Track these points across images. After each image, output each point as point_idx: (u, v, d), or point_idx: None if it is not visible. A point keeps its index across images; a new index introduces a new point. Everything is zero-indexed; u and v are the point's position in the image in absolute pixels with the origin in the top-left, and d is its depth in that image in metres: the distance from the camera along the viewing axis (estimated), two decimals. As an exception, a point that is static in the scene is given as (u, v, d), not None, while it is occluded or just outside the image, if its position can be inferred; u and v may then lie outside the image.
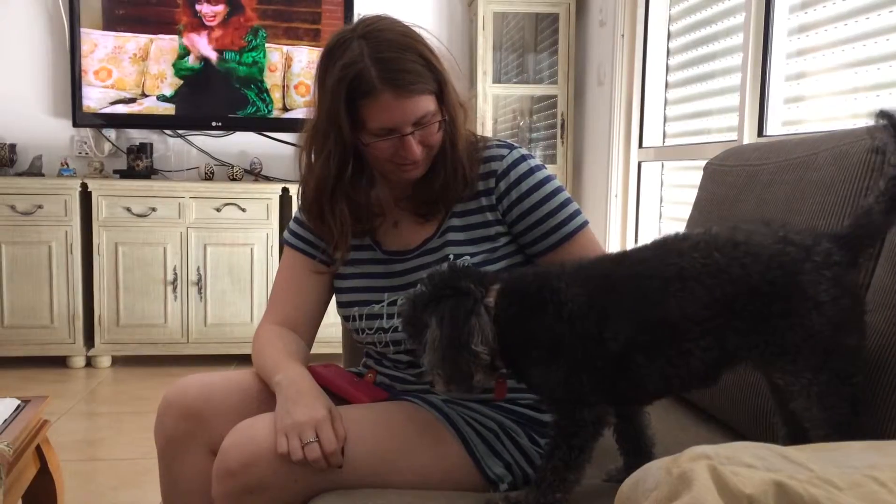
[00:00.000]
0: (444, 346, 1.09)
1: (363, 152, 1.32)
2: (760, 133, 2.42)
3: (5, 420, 1.61)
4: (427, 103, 1.26)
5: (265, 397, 1.32)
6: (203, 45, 3.89)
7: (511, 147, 1.37)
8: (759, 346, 1.00)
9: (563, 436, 1.10)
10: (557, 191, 1.35)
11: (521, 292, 1.13)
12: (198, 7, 3.85)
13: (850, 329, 0.99)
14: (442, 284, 1.14)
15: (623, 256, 1.12)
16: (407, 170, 1.31)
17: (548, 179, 1.35)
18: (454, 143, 1.33)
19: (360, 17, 1.33)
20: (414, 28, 1.31)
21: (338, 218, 1.37)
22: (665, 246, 1.08)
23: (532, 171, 1.35)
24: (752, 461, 0.51)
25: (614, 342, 1.04)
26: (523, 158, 1.36)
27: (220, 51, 3.90)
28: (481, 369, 1.11)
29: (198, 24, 3.87)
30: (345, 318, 1.46)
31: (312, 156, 1.37)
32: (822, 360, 0.97)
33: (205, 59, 3.90)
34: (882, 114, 1.00)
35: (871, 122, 1.02)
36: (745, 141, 2.42)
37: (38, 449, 1.74)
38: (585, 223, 1.36)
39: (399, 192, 1.41)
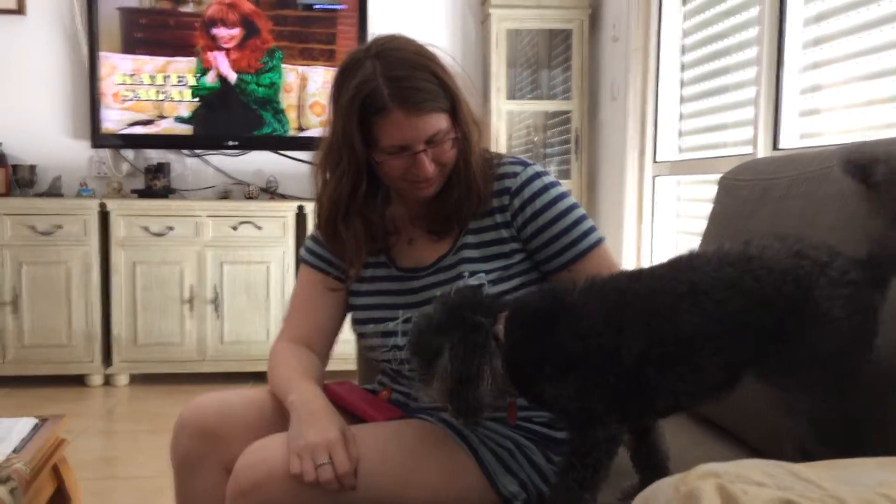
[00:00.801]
0: (454, 382, 1.09)
1: (376, 170, 1.33)
2: (775, 146, 2.41)
3: (23, 439, 1.63)
4: (439, 121, 1.27)
5: (281, 416, 1.32)
6: (221, 66, 3.93)
7: (525, 164, 1.37)
8: (769, 361, 1.00)
9: (577, 455, 1.09)
10: (572, 208, 1.35)
11: (531, 313, 1.13)
12: (214, 31, 3.90)
13: (859, 346, 0.98)
14: (451, 313, 1.13)
15: (639, 273, 1.12)
16: (420, 187, 1.32)
17: (562, 196, 1.35)
18: (468, 161, 1.33)
19: (374, 36, 1.34)
20: (427, 47, 1.32)
21: (352, 235, 1.37)
22: (679, 263, 1.08)
23: (546, 187, 1.34)
24: (762, 479, 0.50)
25: (628, 356, 1.04)
26: (538, 175, 1.35)
27: (237, 72, 3.94)
28: (489, 405, 1.12)
29: (215, 47, 3.91)
30: (360, 335, 1.46)
31: (327, 174, 1.37)
32: (832, 379, 0.97)
33: (222, 80, 3.94)
34: (847, 164, 1.03)
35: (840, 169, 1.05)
36: (760, 154, 2.41)
37: (56, 468, 1.75)
38: (601, 240, 1.35)
39: (414, 211, 1.41)
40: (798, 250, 1.00)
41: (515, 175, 1.35)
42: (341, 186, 1.34)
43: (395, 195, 1.41)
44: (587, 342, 1.06)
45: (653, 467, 1.20)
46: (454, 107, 1.30)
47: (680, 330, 1.02)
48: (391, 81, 1.24)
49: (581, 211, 1.36)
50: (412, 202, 1.39)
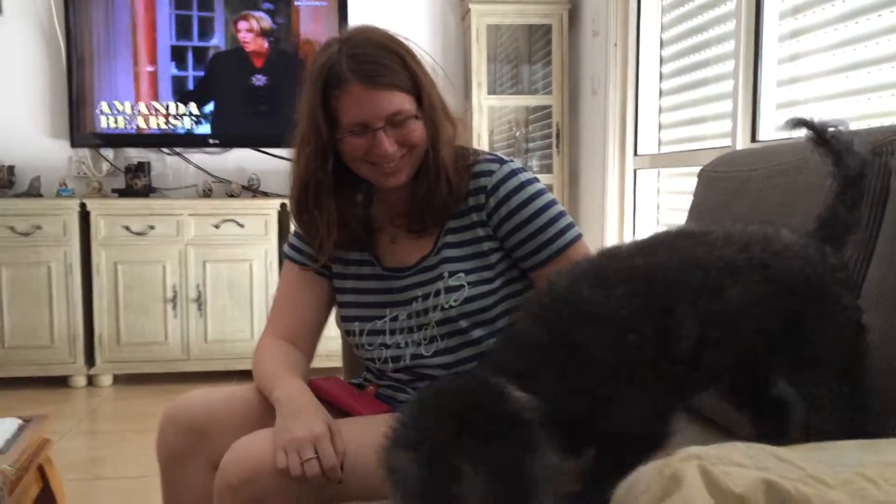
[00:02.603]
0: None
1: (341, 152, 1.32)
2: (754, 138, 2.43)
3: (7, 440, 1.62)
4: (400, 100, 1.27)
5: (268, 412, 1.32)
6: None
7: (501, 161, 1.37)
8: (788, 352, 0.97)
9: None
10: (549, 205, 1.34)
11: (546, 339, 0.95)
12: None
13: (863, 333, 0.99)
14: (460, 414, 0.84)
15: (644, 247, 1.01)
16: (385, 172, 1.31)
17: (539, 194, 1.34)
18: (436, 149, 1.32)
19: (350, 27, 1.36)
20: (402, 38, 1.33)
21: (324, 218, 1.37)
22: (690, 237, 1.00)
23: (522, 185, 1.34)
24: (743, 460, 0.52)
25: (686, 340, 0.93)
26: (514, 173, 1.35)
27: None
28: None
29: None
30: (346, 333, 1.47)
31: (298, 159, 1.38)
32: (846, 369, 0.96)
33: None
34: (799, 124, 1.02)
35: (797, 135, 1.04)
36: (739, 146, 2.43)
37: (41, 468, 1.74)
38: (578, 236, 1.35)
39: (391, 208, 1.41)
40: (801, 238, 1.01)
41: (491, 173, 1.35)
42: (308, 165, 1.34)
43: (376, 195, 1.42)
44: (640, 332, 0.92)
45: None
46: (418, 90, 1.30)
47: (730, 308, 0.94)
48: (352, 57, 1.26)
49: (559, 208, 1.36)
50: (389, 196, 1.39)
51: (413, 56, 1.31)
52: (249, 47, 3.94)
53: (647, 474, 0.54)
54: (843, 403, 0.97)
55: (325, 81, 1.27)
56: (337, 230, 1.37)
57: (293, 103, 1.36)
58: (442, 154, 1.33)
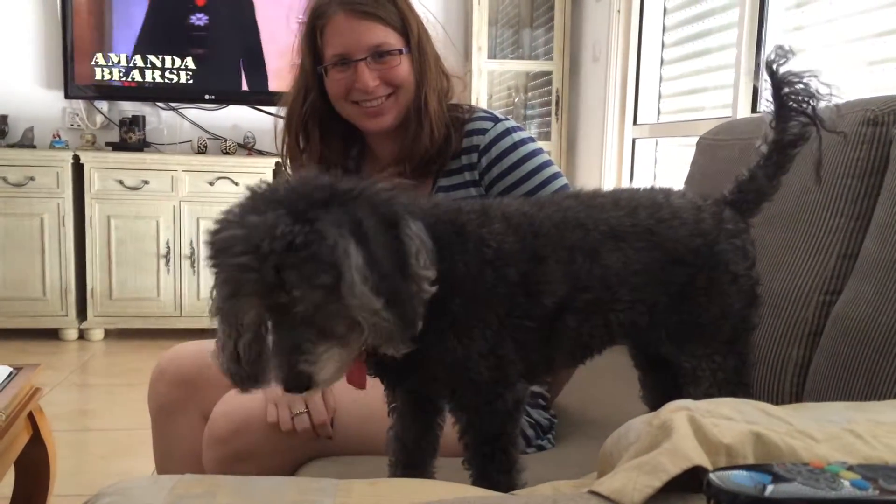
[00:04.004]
0: (385, 272, 0.74)
1: (327, 90, 1.31)
2: (754, 110, 2.42)
3: (-3, 386, 1.62)
4: (384, 34, 1.27)
5: (258, 365, 1.33)
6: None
7: (496, 119, 1.34)
8: (672, 322, 0.93)
9: (486, 438, 0.88)
10: (544, 165, 1.32)
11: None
12: None
13: (757, 304, 0.95)
14: (320, 187, 0.76)
15: (539, 202, 0.95)
16: (370, 111, 1.30)
17: (533, 154, 1.32)
18: (420, 91, 1.30)
19: None
20: None
21: (307, 153, 1.36)
22: (582, 196, 0.96)
23: (516, 145, 1.31)
24: (732, 414, 0.52)
25: (550, 298, 0.87)
26: (508, 132, 1.32)
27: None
28: (421, 309, 0.78)
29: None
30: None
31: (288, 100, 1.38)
32: (732, 341, 0.93)
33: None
34: (767, 65, 0.93)
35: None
36: (739, 117, 2.42)
37: (31, 417, 1.74)
38: None
39: (382, 159, 1.39)
40: (693, 201, 0.96)
41: (484, 132, 1.33)
42: (295, 101, 1.34)
43: (367, 153, 1.40)
44: (504, 272, 0.86)
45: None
46: (406, 29, 1.29)
47: (606, 273, 0.89)
48: None
49: (553, 168, 1.34)
50: (377, 146, 1.38)
51: (405, 1, 1.30)
52: None
53: (636, 426, 0.54)
54: (726, 378, 0.93)
55: (312, 14, 1.28)
56: (319, 154, 1.36)
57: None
58: (428, 99, 1.30)
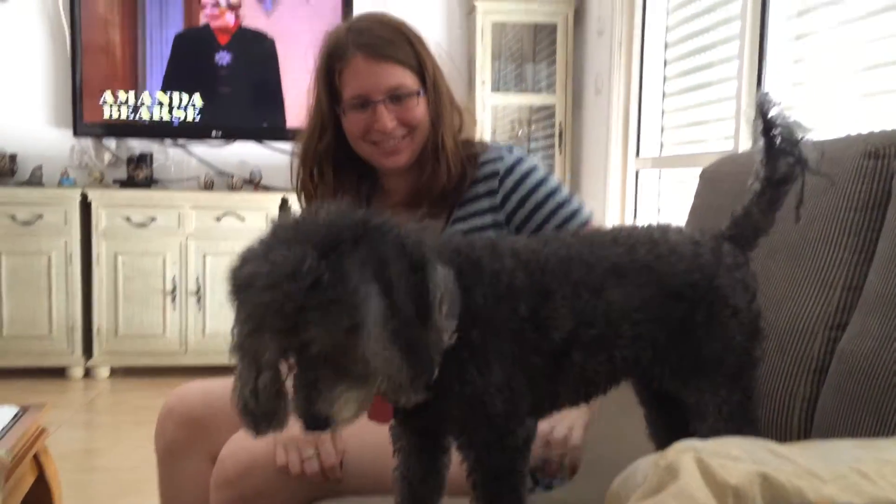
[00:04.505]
0: (405, 321, 0.74)
1: (344, 129, 1.32)
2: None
3: (4, 427, 1.62)
4: (401, 76, 1.28)
5: (267, 406, 1.32)
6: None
7: (510, 149, 1.38)
8: (674, 358, 0.93)
9: (496, 476, 0.88)
10: (559, 189, 1.35)
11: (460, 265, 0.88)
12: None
13: (759, 337, 0.95)
14: (345, 224, 0.76)
15: (544, 238, 0.97)
16: (387, 151, 1.30)
17: (547, 179, 1.35)
18: (437, 131, 1.32)
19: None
20: (410, 24, 1.33)
21: (322, 193, 1.36)
22: (577, 236, 0.98)
23: (533, 170, 1.34)
24: (739, 454, 0.52)
25: (558, 333, 0.88)
26: (522, 160, 1.35)
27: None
28: (438, 358, 0.78)
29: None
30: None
31: (302, 138, 1.39)
32: (736, 376, 0.93)
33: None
34: (757, 107, 0.95)
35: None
36: (741, 150, 2.43)
37: (37, 457, 1.74)
38: (590, 217, 1.35)
39: (395, 194, 1.40)
40: (691, 237, 0.97)
41: (502, 159, 1.35)
42: (311, 140, 1.35)
43: (379, 187, 1.41)
44: (515, 307, 0.87)
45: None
46: (422, 70, 1.30)
47: (611, 310, 0.90)
48: (357, 33, 1.28)
49: (567, 191, 1.36)
50: (391, 181, 1.39)
51: (420, 39, 1.32)
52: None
53: (643, 467, 0.54)
54: (731, 412, 0.92)
55: (329, 55, 1.29)
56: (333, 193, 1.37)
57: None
58: (444, 138, 1.32)
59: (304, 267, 0.69)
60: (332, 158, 1.35)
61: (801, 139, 0.94)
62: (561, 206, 1.33)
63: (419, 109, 1.30)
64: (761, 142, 0.96)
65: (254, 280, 0.72)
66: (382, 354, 0.72)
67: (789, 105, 2.35)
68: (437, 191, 1.33)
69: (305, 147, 1.36)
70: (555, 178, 1.37)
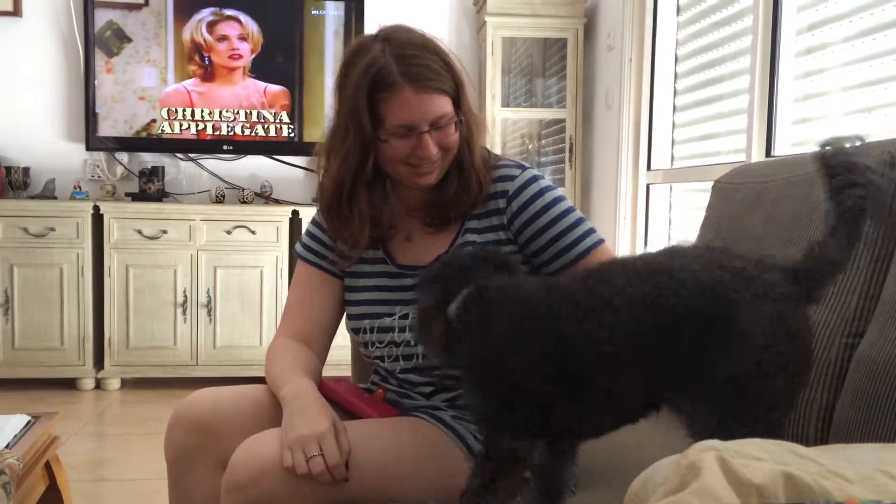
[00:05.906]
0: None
1: (379, 153, 1.32)
2: (768, 154, 2.43)
3: (16, 435, 1.62)
4: (444, 104, 1.29)
5: (276, 411, 1.32)
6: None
7: (523, 167, 1.38)
8: (682, 383, 0.95)
9: (482, 468, 1.05)
10: (569, 210, 1.35)
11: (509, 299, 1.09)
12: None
13: (784, 371, 0.92)
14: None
15: (550, 283, 1.10)
16: (423, 173, 1.32)
17: (559, 200, 1.36)
18: (471, 148, 1.34)
19: (380, 26, 1.36)
20: (433, 37, 1.34)
21: (357, 214, 1.36)
22: (596, 274, 1.06)
23: (542, 191, 1.35)
24: (761, 455, 0.51)
25: (546, 365, 1.01)
26: (534, 179, 1.36)
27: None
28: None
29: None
30: (354, 332, 1.46)
31: (331, 157, 1.37)
32: (749, 406, 0.91)
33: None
34: (822, 153, 0.95)
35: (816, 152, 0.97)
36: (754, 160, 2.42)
37: (48, 465, 1.74)
38: (600, 241, 1.35)
39: (411, 202, 1.41)
40: (721, 262, 0.95)
41: (513, 178, 1.36)
42: (347, 164, 1.33)
43: (390, 190, 1.42)
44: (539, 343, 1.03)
45: (548, 491, 1.16)
46: (458, 92, 1.31)
47: (595, 345, 0.98)
48: (401, 59, 1.26)
49: (578, 213, 1.37)
50: (410, 192, 1.39)
51: (449, 55, 1.32)
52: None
53: (663, 467, 0.53)
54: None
55: (372, 81, 1.27)
56: (369, 225, 1.38)
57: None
58: (475, 153, 1.35)
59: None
60: (368, 181, 1.35)
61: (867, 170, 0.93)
62: (571, 227, 1.34)
63: (456, 134, 1.32)
64: (826, 172, 0.95)
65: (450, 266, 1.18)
66: None
67: (804, 118, 2.34)
68: (468, 203, 1.35)
69: (340, 171, 1.35)
70: (567, 200, 1.37)
